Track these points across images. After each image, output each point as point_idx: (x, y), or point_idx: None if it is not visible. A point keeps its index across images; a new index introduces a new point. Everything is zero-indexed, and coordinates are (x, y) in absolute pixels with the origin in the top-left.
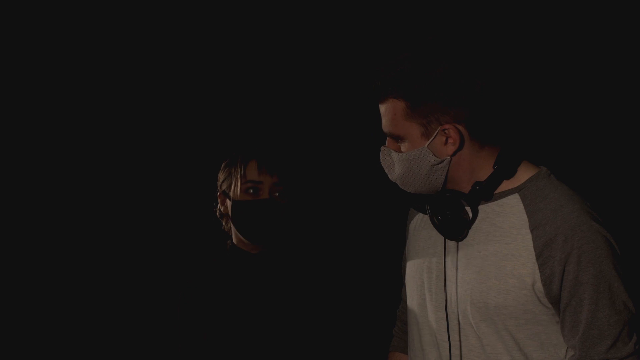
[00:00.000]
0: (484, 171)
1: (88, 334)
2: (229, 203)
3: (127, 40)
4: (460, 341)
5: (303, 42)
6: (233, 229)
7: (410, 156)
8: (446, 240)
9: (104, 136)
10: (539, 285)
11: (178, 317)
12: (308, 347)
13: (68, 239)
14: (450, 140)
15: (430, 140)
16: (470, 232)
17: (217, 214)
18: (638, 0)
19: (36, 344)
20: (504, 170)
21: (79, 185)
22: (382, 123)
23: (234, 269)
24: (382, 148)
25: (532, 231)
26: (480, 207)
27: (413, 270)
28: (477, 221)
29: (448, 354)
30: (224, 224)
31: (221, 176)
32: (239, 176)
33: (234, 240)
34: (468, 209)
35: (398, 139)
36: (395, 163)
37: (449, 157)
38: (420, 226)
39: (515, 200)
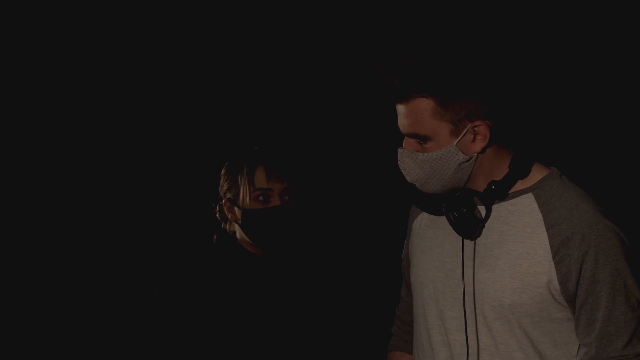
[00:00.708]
0: (500, 170)
1: (85, 333)
2: (237, 211)
3: (127, 40)
4: (477, 340)
5: (306, 40)
6: (239, 232)
7: (437, 155)
8: (462, 239)
9: (103, 136)
10: (555, 283)
11: (170, 315)
12: (314, 350)
13: (68, 238)
14: (479, 137)
15: (459, 138)
16: (484, 231)
17: (218, 216)
18: None
19: (36, 344)
20: (520, 170)
21: (76, 184)
22: (403, 123)
23: (241, 271)
24: (400, 150)
25: (547, 230)
26: (493, 206)
27: (419, 270)
28: (490, 220)
29: (459, 353)
30: (227, 227)
31: (224, 184)
32: (246, 184)
33: (238, 237)
34: (481, 207)
35: (423, 138)
36: (416, 164)
37: (476, 154)
38: (426, 225)
39: (529, 200)
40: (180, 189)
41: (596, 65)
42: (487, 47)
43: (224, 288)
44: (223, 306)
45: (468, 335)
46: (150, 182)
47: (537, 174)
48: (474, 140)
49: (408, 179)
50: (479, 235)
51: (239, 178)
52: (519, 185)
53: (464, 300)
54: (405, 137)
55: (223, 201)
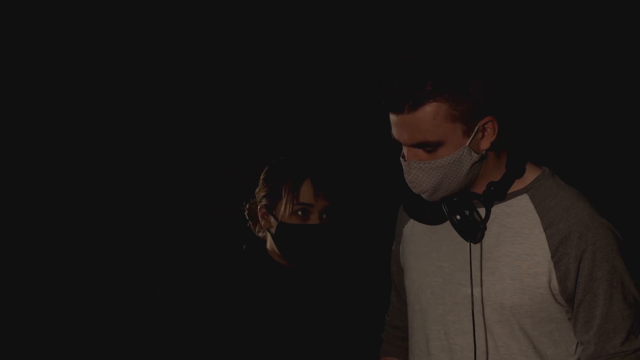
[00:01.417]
0: (499, 171)
1: (85, 333)
2: (272, 220)
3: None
4: (478, 343)
5: (343, 51)
6: (270, 243)
7: (451, 159)
8: (459, 243)
9: (109, 134)
10: (554, 283)
11: (171, 315)
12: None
13: (68, 238)
14: (487, 134)
15: (471, 137)
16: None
17: (247, 216)
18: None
19: (36, 344)
20: (516, 170)
21: (79, 184)
22: (411, 134)
23: (267, 280)
24: (407, 163)
25: (545, 230)
26: (481, 208)
27: (415, 275)
28: (477, 222)
29: (460, 357)
30: (255, 229)
31: (262, 189)
32: (290, 197)
33: (268, 248)
34: (480, 210)
35: (435, 145)
36: (427, 174)
37: (484, 152)
38: (419, 231)
39: (524, 201)
40: (185, 190)
41: (588, 65)
42: (488, 43)
43: (238, 292)
44: (226, 308)
45: (469, 339)
46: (153, 182)
47: (530, 174)
48: (482, 137)
49: (416, 190)
50: (482, 238)
51: (282, 189)
52: (514, 186)
53: (473, 303)
54: (409, 149)
55: (258, 206)
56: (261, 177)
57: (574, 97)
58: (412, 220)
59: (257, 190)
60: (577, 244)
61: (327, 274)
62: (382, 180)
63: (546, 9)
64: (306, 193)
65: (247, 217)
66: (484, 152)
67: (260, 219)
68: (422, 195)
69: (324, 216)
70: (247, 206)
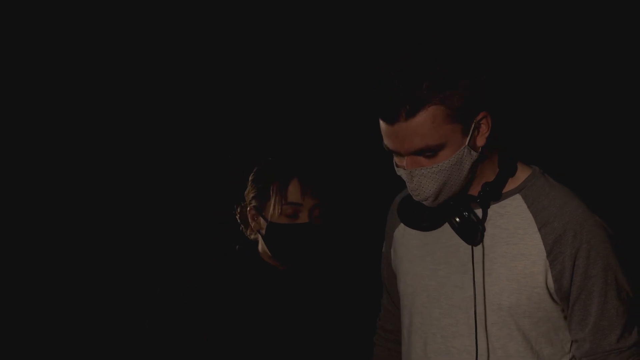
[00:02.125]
0: (492, 171)
1: (85, 333)
2: (262, 221)
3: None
4: (487, 344)
5: (342, 51)
6: (262, 245)
7: (453, 161)
8: (453, 246)
9: (109, 134)
10: (550, 281)
11: (171, 315)
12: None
13: (68, 238)
14: (482, 129)
15: (469, 135)
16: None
17: (238, 219)
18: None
19: (36, 344)
20: (509, 170)
21: (79, 184)
22: (411, 142)
23: (260, 283)
24: (408, 172)
25: (539, 230)
26: (478, 209)
27: (410, 279)
28: (477, 224)
29: (458, 359)
30: (247, 232)
31: (251, 191)
32: (278, 197)
33: (260, 250)
34: (476, 211)
35: (437, 148)
36: (430, 179)
37: (481, 148)
38: (411, 235)
39: (517, 201)
40: (184, 190)
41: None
42: (475, 39)
43: (232, 293)
44: (228, 309)
45: (467, 341)
46: (153, 183)
47: (521, 173)
48: (478, 134)
49: (420, 197)
50: (481, 239)
51: (271, 189)
52: (506, 187)
53: (475, 305)
54: (409, 157)
55: (248, 208)
56: (250, 178)
57: (561, 94)
58: (401, 225)
59: (246, 192)
60: (572, 243)
61: (319, 276)
62: (372, 179)
63: (534, 5)
64: (294, 192)
65: (239, 221)
66: (480, 149)
67: (250, 220)
68: (425, 202)
69: (314, 215)
70: (239, 209)
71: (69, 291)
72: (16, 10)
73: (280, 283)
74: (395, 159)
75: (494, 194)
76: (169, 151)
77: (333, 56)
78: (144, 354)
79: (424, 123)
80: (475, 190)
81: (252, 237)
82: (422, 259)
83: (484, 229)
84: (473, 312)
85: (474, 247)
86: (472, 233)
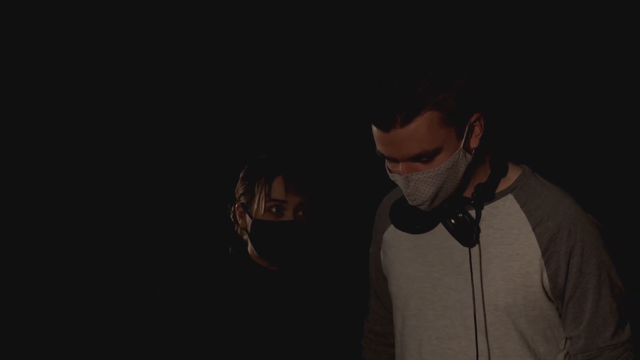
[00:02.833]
0: (484, 172)
1: (85, 333)
2: (248, 219)
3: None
4: (487, 345)
5: (322, 46)
6: (250, 246)
7: (449, 164)
8: (446, 247)
9: (109, 134)
10: (546, 280)
11: (171, 315)
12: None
13: (68, 238)
14: (475, 131)
15: (464, 138)
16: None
17: (232, 218)
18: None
19: (36, 344)
20: (501, 170)
21: (79, 183)
22: (408, 148)
23: (251, 284)
24: (405, 177)
25: (534, 229)
26: (471, 211)
27: (402, 282)
28: (472, 225)
29: None
30: (238, 231)
31: (240, 188)
32: (262, 193)
33: (249, 251)
34: (470, 212)
35: (434, 153)
36: (426, 184)
37: (474, 150)
38: (402, 237)
39: (510, 201)
40: (184, 189)
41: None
42: (466, 39)
43: (228, 294)
44: (224, 310)
45: (463, 342)
46: (153, 183)
47: (512, 173)
48: (472, 136)
49: (416, 202)
50: (477, 240)
51: (256, 185)
52: (498, 187)
53: (475, 307)
54: (404, 163)
55: (236, 205)
56: (240, 175)
57: (549, 93)
58: (391, 227)
59: (236, 189)
60: (567, 241)
61: (308, 277)
62: (359, 179)
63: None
64: (277, 189)
65: (232, 220)
66: (474, 151)
67: (238, 218)
68: (421, 206)
69: (300, 213)
70: (232, 209)
71: (69, 291)
72: (16, 10)
73: (269, 284)
74: (389, 165)
75: (487, 195)
76: (169, 151)
77: (326, 58)
78: (144, 354)
79: (420, 128)
80: (468, 192)
81: (245, 237)
82: (414, 261)
83: (479, 230)
84: (468, 314)
85: (464, 249)
86: (468, 234)
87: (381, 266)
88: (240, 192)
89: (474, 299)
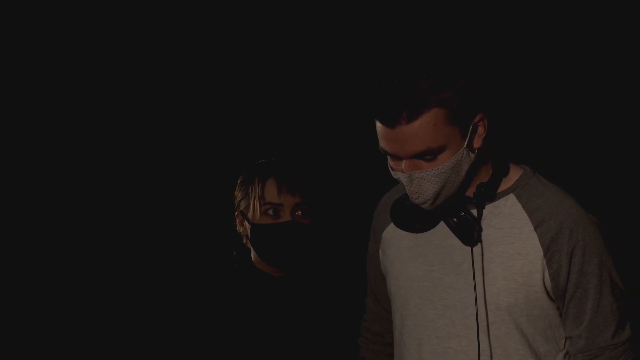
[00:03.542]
0: (486, 172)
1: (85, 333)
2: (247, 225)
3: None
4: (489, 344)
5: (318, 45)
6: (254, 253)
7: (453, 163)
8: (447, 246)
9: (111, 136)
10: (547, 280)
11: (171, 315)
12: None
13: (71, 239)
14: (479, 131)
15: (467, 137)
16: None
17: (238, 230)
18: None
19: (36, 344)
20: (502, 170)
21: (79, 184)
22: (412, 146)
23: (255, 292)
24: (408, 175)
25: (536, 229)
26: (473, 210)
27: (402, 281)
28: (474, 224)
29: None
30: (244, 240)
31: (238, 194)
32: (257, 197)
33: (253, 259)
34: (472, 212)
35: (438, 151)
36: (430, 182)
37: (477, 150)
38: (401, 236)
39: (511, 201)
40: (185, 190)
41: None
42: (471, 39)
43: (228, 294)
44: (224, 310)
45: (463, 342)
46: (153, 183)
47: (513, 173)
48: (475, 136)
49: (419, 200)
50: (478, 240)
51: (250, 190)
52: (500, 187)
53: (477, 306)
54: (408, 160)
55: (236, 213)
56: (238, 182)
57: (550, 94)
58: (392, 224)
59: (235, 197)
60: (569, 241)
61: (309, 280)
62: (356, 178)
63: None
64: (271, 192)
65: (239, 232)
66: (477, 151)
67: (239, 225)
68: (423, 205)
69: (298, 213)
70: (234, 218)
71: (70, 291)
72: (16, 10)
73: (272, 288)
74: (391, 162)
75: (488, 194)
76: (171, 153)
77: (322, 57)
78: (144, 354)
79: (426, 125)
80: (470, 192)
81: (249, 245)
82: (414, 260)
83: (481, 229)
84: (469, 313)
85: (465, 248)
86: (469, 233)
87: (380, 265)
88: (239, 198)
89: (476, 299)
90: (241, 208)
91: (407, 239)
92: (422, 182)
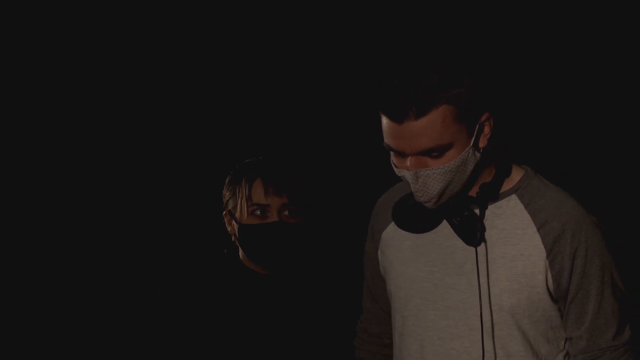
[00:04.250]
0: (489, 172)
1: (85, 333)
2: (235, 225)
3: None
4: (493, 345)
5: (308, 43)
6: (241, 251)
7: (459, 161)
8: (448, 247)
9: (106, 138)
10: (550, 281)
11: (171, 316)
12: None
13: (71, 239)
14: (485, 130)
15: (474, 136)
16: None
17: (229, 229)
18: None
19: (36, 344)
20: (505, 170)
21: (79, 184)
22: (419, 142)
23: (243, 290)
24: (414, 173)
25: (538, 230)
26: (476, 210)
27: (402, 282)
28: (477, 223)
29: None
30: (233, 239)
31: (226, 194)
32: (244, 197)
33: (240, 257)
34: (475, 212)
35: (445, 148)
36: (435, 180)
37: (482, 149)
38: (402, 236)
39: (514, 202)
40: (184, 191)
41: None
42: (479, 38)
43: (227, 295)
44: (223, 310)
45: (466, 343)
46: (153, 183)
47: (515, 174)
48: (482, 135)
49: (423, 199)
50: (481, 240)
51: (237, 190)
52: (502, 187)
53: (481, 306)
54: (413, 157)
55: (224, 213)
56: (226, 181)
57: (552, 95)
58: (392, 224)
59: (223, 196)
60: (571, 242)
61: (300, 280)
62: (347, 178)
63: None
64: (258, 193)
65: (229, 231)
66: (482, 150)
67: (227, 226)
68: (427, 203)
69: (285, 214)
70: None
71: (70, 291)
72: (16, 10)
73: (263, 288)
74: (395, 160)
75: (491, 194)
76: (168, 152)
77: (318, 56)
78: (144, 354)
79: (435, 122)
80: (472, 191)
81: (237, 243)
82: (415, 261)
83: (484, 230)
84: (472, 314)
85: (468, 248)
86: (472, 233)
87: (378, 266)
88: (227, 198)
89: (480, 299)
90: (229, 207)
91: (409, 240)
92: (428, 180)
